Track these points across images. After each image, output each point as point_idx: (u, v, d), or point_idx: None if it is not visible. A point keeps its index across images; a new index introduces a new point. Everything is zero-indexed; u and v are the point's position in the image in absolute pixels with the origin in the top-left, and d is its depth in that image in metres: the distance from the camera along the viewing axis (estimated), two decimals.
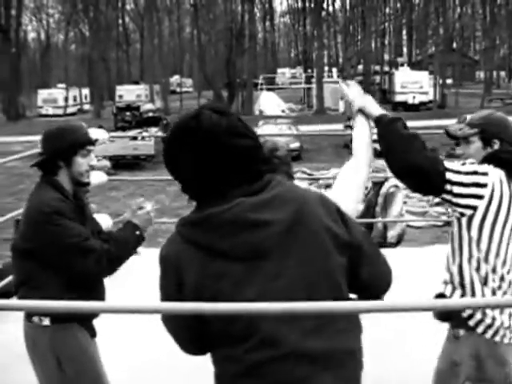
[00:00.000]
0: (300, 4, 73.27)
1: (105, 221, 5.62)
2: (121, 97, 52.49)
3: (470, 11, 67.53)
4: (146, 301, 2.11)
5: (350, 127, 3.47)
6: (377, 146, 3.27)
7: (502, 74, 76.13)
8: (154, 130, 33.05)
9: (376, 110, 3.26)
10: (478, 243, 3.29)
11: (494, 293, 3.30)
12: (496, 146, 3.45)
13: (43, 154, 3.58)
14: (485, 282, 3.30)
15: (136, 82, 58.86)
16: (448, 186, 3.22)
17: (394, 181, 7.99)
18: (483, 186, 3.25)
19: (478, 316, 3.28)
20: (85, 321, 3.60)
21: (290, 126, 32.20)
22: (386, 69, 63.37)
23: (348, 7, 66.94)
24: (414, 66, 60.34)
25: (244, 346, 2.10)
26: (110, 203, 19.37)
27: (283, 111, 51.17)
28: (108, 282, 3.64)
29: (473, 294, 3.32)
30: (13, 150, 25.07)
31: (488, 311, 3.26)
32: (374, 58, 63.30)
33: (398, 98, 49.92)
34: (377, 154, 3.35)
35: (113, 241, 3.54)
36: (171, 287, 2.21)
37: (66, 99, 61.58)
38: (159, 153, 24.55)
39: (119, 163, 26.16)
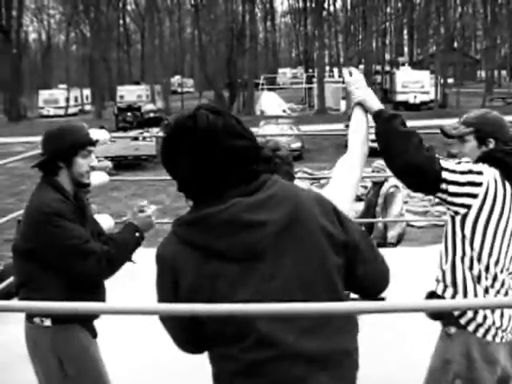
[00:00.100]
0: (301, 4, 73.26)
1: (106, 221, 5.63)
2: (122, 97, 52.56)
3: (471, 10, 67.54)
4: (144, 302, 2.11)
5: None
6: (375, 144, 3.27)
7: (503, 73, 76.16)
8: (155, 131, 33.01)
9: (376, 104, 3.27)
10: (472, 242, 3.30)
11: (486, 291, 3.31)
12: (491, 145, 3.46)
13: (44, 155, 3.59)
14: (478, 281, 3.31)
15: (137, 83, 58.94)
16: (443, 185, 3.24)
17: (393, 181, 8.00)
18: (478, 184, 3.26)
19: (470, 314, 3.29)
20: (86, 321, 3.60)
21: (291, 126, 32.18)
22: (387, 68, 63.35)
23: (349, 7, 67.01)
24: (415, 65, 60.37)
25: (240, 345, 2.11)
26: (112, 203, 19.38)
27: (284, 111, 51.17)
28: (108, 282, 3.64)
29: (465, 293, 3.33)
30: (14, 151, 25.09)
31: (479, 310, 3.26)
32: (375, 58, 63.29)
33: (399, 98, 49.90)
34: (377, 154, 3.36)
35: (112, 243, 3.53)
36: (167, 288, 2.21)
37: (67, 100, 61.66)
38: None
39: (121, 164, 26.17)
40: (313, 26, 61.01)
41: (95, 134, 5.86)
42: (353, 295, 2.65)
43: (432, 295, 3.47)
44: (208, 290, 2.11)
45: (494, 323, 3.29)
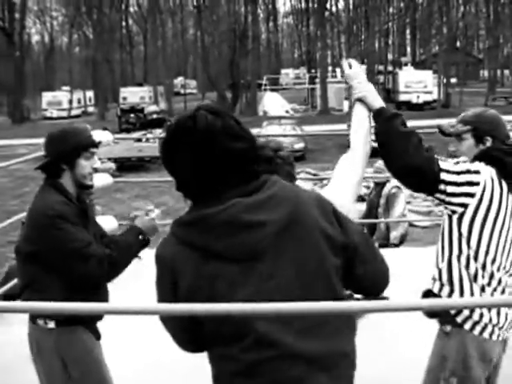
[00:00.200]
0: (303, 4, 73.29)
1: (110, 223, 5.64)
2: (125, 99, 52.65)
3: (473, 10, 67.48)
4: (145, 302, 2.12)
5: None
6: (376, 144, 3.27)
7: (506, 72, 75.95)
8: (158, 132, 33.00)
9: (377, 101, 3.22)
10: (468, 240, 3.31)
11: (483, 290, 3.33)
12: (488, 144, 3.47)
13: (47, 157, 3.59)
14: (474, 279, 3.32)
15: (140, 84, 59.06)
16: (442, 186, 3.26)
17: (395, 181, 7.98)
18: (475, 184, 3.28)
19: (466, 313, 3.31)
20: (89, 323, 3.60)
21: (294, 127, 32.17)
22: (390, 68, 63.38)
23: (351, 7, 66.87)
24: (418, 65, 60.35)
25: (240, 345, 2.12)
26: (115, 205, 19.39)
27: (287, 112, 51.17)
28: (111, 283, 3.64)
29: (461, 292, 3.35)
30: (17, 153, 25.13)
31: (476, 308, 3.28)
32: (378, 58, 63.26)
33: (402, 98, 49.88)
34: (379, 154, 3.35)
35: (115, 246, 3.52)
36: (167, 288, 2.22)
37: (71, 101, 61.71)
38: None
39: (124, 165, 26.18)
40: (315, 27, 61.02)
41: (98, 135, 5.87)
42: (356, 296, 2.66)
43: (428, 294, 3.49)
44: (207, 290, 2.12)
45: (490, 321, 3.31)
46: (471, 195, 3.28)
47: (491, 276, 3.33)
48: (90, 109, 65.09)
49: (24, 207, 3.63)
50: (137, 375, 4.88)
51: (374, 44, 61.45)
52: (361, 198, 10.29)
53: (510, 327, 3.44)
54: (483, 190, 3.29)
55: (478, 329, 3.33)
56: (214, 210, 2.12)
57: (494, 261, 3.32)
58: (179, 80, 74.37)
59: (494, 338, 3.35)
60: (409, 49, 76.24)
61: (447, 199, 3.30)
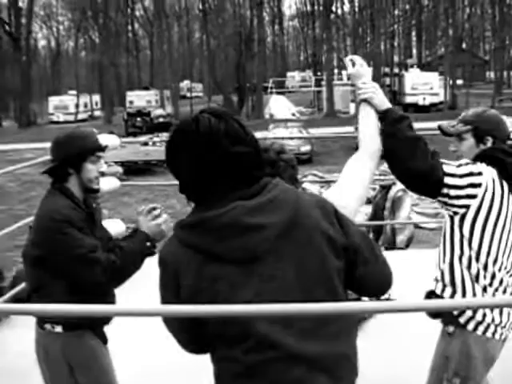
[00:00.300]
0: (309, 7, 73.33)
1: (118, 226, 5.65)
2: (131, 102, 52.70)
3: (479, 11, 67.41)
4: (148, 304, 2.12)
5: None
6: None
7: None
8: (164, 136, 33.03)
9: (383, 102, 3.15)
10: (470, 241, 3.32)
11: (485, 290, 3.35)
12: (489, 144, 3.48)
13: (53, 161, 3.59)
14: (476, 280, 3.33)
15: (146, 88, 59.09)
16: (445, 190, 3.26)
17: (401, 185, 7.98)
18: (477, 185, 3.29)
19: (469, 313, 3.32)
20: (96, 327, 3.60)
21: (300, 130, 32.18)
22: (396, 70, 63.32)
23: (357, 9, 66.84)
24: (424, 67, 60.28)
25: (242, 346, 2.12)
26: (123, 209, 19.41)
27: (293, 115, 51.18)
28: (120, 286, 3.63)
29: (463, 292, 3.37)
30: (24, 157, 25.19)
31: (480, 308, 3.29)
32: (384, 60, 63.20)
33: (409, 100, 49.84)
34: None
35: (121, 252, 3.49)
36: (170, 290, 2.23)
37: (77, 106, 61.84)
38: None
39: (131, 169, 26.21)
40: (321, 29, 61.11)
41: (105, 139, 5.88)
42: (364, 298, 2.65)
43: (431, 294, 3.49)
44: (209, 292, 2.13)
45: (493, 320, 3.33)
46: (473, 196, 3.28)
47: (493, 276, 3.34)
48: (97, 113, 65.21)
49: (31, 211, 3.64)
50: (140, 378, 4.87)
51: (380, 46, 61.38)
52: (368, 200, 10.28)
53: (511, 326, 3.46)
54: (485, 191, 3.30)
55: (480, 329, 3.34)
56: (214, 213, 2.13)
57: (495, 261, 3.33)
58: (185, 83, 74.37)
59: (497, 337, 3.37)
60: (415, 51, 76.15)
61: (450, 202, 3.31)
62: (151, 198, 20.73)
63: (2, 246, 12.48)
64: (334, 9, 61.86)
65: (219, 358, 2.24)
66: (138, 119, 44.29)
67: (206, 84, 76.65)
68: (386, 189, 8.28)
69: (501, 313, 3.34)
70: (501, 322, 3.36)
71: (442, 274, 3.44)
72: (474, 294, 3.34)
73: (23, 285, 5.82)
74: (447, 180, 3.26)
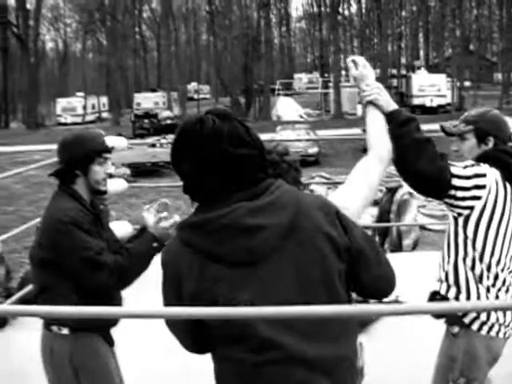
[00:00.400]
0: (316, 9, 73.30)
1: (125, 228, 5.66)
2: (139, 104, 52.72)
3: (486, 12, 67.26)
4: (150, 306, 2.14)
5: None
6: None
7: None
8: (171, 137, 33.08)
9: (389, 104, 3.05)
10: (474, 242, 3.34)
11: (488, 290, 3.37)
12: (490, 144, 3.49)
13: (60, 163, 3.59)
14: (479, 281, 3.35)
15: (154, 90, 59.06)
16: (452, 191, 3.27)
17: (407, 188, 7.94)
18: (482, 187, 3.31)
19: (473, 313, 3.33)
20: (103, 330, 3.60)
21: (308, 132, 32.12)
22: (403, 72, 63.23)
23: (364, 11, 66.87)
24: (431, 68, 60.14)
25: (243, 347, 2.13)
26: (130, 210, 19.43)
27: (301, 116, 51.12)
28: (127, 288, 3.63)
29: (468, 292, 3.38)
30: (33, 159, 25.21)
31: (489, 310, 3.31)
32: (391, 62, 63.14)
33: (416, 101, 49.73)
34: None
35: (127, 254, 3.49)
36: (171, 289, 2.25)
37: (85, 107, 61.94)
38: None
39: (138, 170, 26.22)
40: (328, 31, 61.05)
41: (113, 141, 5.89)
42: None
43: (435, 295, 3.51)
44: (210, 293, 2.14)
45: (497, 320, 3.36)
46: (478, 198, 3.30)
47: (496, 277, 3.37)
48: (104, 114, 65.28)
49: (39, 213, 3.64)
50: (144, 380, 4.87)
51: (387, 48, 61.37)
52: (374, 202, 10.26)
53: None
54: (488, 193, 3.32)
55: (485, 328, 3.37)
56: (215, 214, 2.14)
57: (498, 262, 3.36)
58: (193, 85, 74.44)
59: (501, 335, 3.40)
60: (422, 52, 76.04)
61: (455, 203, 3.32)
62: (158, 200, 20.73)
63: (10, 248, 12.51)
64: (340, 10, 61.91)
65: (220, 358, 2.24)
66: (146, 121, 44.30)
67: (213, 86, 76.71)
68: (391, 191, 8.25)
69: (505, 312, 3.36)
70: (505, 321, 3.39)
71: (447, 274, 3.45)
72: (478, 295, 3.36)
73: (31, 286, 5.83)
74: (454, 181, 3.27)
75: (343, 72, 62.02)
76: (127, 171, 22.69)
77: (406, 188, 7.99)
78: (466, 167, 3.35)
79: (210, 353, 2.31)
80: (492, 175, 3.35)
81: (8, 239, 7.30)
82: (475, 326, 3.36)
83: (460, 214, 3.35)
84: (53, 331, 3.48)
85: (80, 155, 3.53)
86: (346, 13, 67.76)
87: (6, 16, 58.58)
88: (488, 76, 74.02)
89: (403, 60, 70.51)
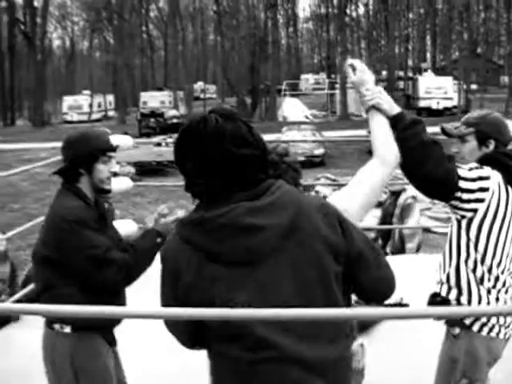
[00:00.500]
0: (323, 10, 73.25)
1: (129, 226, 5.66)
2: (145, 103, 52.72)
3: (494, 16, 67.10)
4: (148, 306, 2.14)
5: None
6: None
7: None
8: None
9: (393, 107, 2.99)
10: (476, 244, 3.36)
11: (489, 292, 3.39)
12: (491, 146, 3.50)
13: (64, 162, 3.59)
14: (480, 282, 3.37)
15: (160, 89, 59.08)
16: (458, 194, 3.28)
17: (411, 192, 7.92)
18: (486, 190, 3.33)
19: None
20: (106, 329, 3.59)
21: (314, 133, 32.13)
22: (410, 74, 63.16)
23: (371, 12, 66.84)
24: (438, 71, 60.02)
25: (239, 345, 2.14)
26: (135, 209, 19.46)
27: (307, 117, 51.09)
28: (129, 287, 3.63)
29: (469, 294, 3.41)
30: (38, 157, 25.27)
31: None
32: (398, 64, 63.09)
33: (422, 104, 49.65)
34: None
35: (133, 251, 3.50)
36: (169, 287, 2.27)
37: (91, 106, 61.96)
38: None
39: (143, 169, 26.25)
40: (335, 32, 60.96)
41: (119, 139, 5.90)
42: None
43: (435, 297, 3.52)
44: (207, 291, 2.15)
45: (498, 321, 3.39)
46: (481, 200, 3.32)
47: (496, 278, 3.40)
48: (111, 113, 65.31)
49: (45, 211, 3.64)
50: (144, 380, 4.87)
51: (394, 50, 61.30)
52: (378, 203, 10.26)
53: None
54: (491, 196, 3.34)
55: (485, 330, 3.40)
56: (215, 213, 2.15)
57: (499, 264, 3.39)
58: (199, 85, 74.43)
59: (501, 336, 3.43)
60: (429, 55, 75.94)
61: (460, 205, 3.33)
62: (163, 199, 20.78)
63: (15, 245, 12.54)
64: (348, 11, 61.85)
65: (216, 355, 2.26)
66: (152, 120, 44.34)
67: (219, 85, 76.73)
68: (395, 195, 8.24)
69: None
70: (505, 322, 3.41)
71: (448, 276, 3.47)
72: (479, 297, 3.39)
73: (33, 285, 5.84)
74: (461, 183, 3.28)
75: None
76: (132, 170, 22.73)
77: (409, 192, 7.99)
78: (471, 169, 3.36)
79: (205, 349, 2.31)
80: (495, 178, 3.37)
81: (13, 237, 7.32)
82: (476, 327, 3.39)
83: (463, 217, 3.37)
84: (55, 329, 3.47)
85: (84, 154, 3.52)
86: (354, 14, 67.75)
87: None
88: (495, 79, 73.85)
89: (410, 62, 70.45)
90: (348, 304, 2.32)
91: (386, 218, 8.37)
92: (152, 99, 53.49)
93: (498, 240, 3.36)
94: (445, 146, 3.32)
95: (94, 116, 61.22)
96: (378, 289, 2.36)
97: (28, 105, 64.00)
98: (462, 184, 3.28)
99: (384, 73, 61.12)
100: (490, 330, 3.39)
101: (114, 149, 3.66)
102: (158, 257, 3.56)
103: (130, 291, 3.71)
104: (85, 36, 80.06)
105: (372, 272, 2.30)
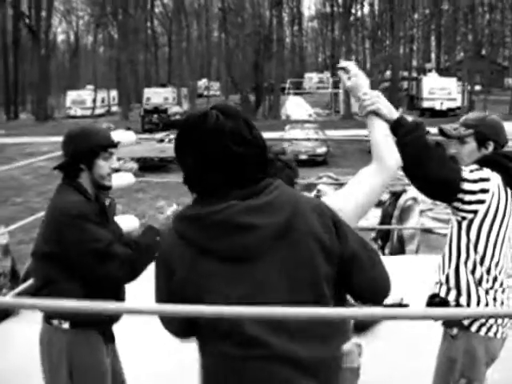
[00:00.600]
0: (328, 9, 73.11)
1: (131, 222, 5.67)
2: (148, 99, 52.69)
3: (499, 17, 67.01)
4: (139, 301, 2.15)
5: None
6: None
7: None
8: None
9: (392, 112, 2.96)
10: (476, 246, 3.38)
11: (487, 293, 3.42)
12: (490, 148, 3.52)
13: (65, 156, 3.58)
14: (479, 283, 3.39)
15: (164, 85, 59.11)
16: (460, 195, 3.29)
17: (411, 193, 7.89)
18: (486, 191, 3.35)
19: None
20: (104, 325, 3.58)
21: (317, 131, 32.10)
22: (414, 75, 63.08)
23: (376, 12, 66.66)
24: (442, 72, 59.97)
25: (230, 342, 2.15)
26: (137, 205, 19.46)
27: (310, 116, 51.06)
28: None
29: (468, 296, 3.43)
30: (41, 151, 25.28)
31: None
32: (402, 64, 62.98)
33: (426, 104, 49.61)
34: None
35: (135, 246, 3.50)
36: (162, 281, 2.28)
37: (94, 101, 61.97)
38: None
39: (146, 165, 26.25)
40: (340, 31, 60.92)
41: (121, 135, 5.91)
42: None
43: (434, 298, 3.54)
44: (199, 286, 2.17)
45: (496, 321, 3.40)
46: (482, 202, 3.35)
47: (494, 279, 3.43)
48: (114, 108, 65.29)
49: (47, 205, 3.64)
50: (144, 378, 4.87)
51: (399, 50, 61.14)
52: (378, 202, 10.23)
53: (510, 325, 3.56)
54: (492, 197, 3.37)
55: (483, 329, 3.43)
56: (210, 210, 2.16)
57: (497, 264, 3.42)
58: (203, 82, 74.37)
59: (498, 335, 3.46)
60: (433, 55, 75.85)
61: (461, 207, 3.36)
62: (165, 195, 20.78)
63: (17, 239, 12.54)
64: (353, 11, 61.76)
65: (207, 351, 2.26)
66: (155, 116, 44.32)
67: (223, 83, 76.59)
68: (395, 196, 8.22)
69: None
70: (502, 321, 3.45)
71: (447, 277, 3.50)
72: (478, 297, 3.41)
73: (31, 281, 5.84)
74: (464, 185, 3.30)
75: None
76: (135, 166, 22.72)
77: (410, 193, 7.96)
78: (471, 171, 3.37)
79: (196, 342, 2.32)
80: (495, 179, 3.40)
81: (15, 230, 7.32)
82: (474, 328, 3.41)
83: (464, 218, 3.39)
84: (53, 325, 3.46)
85: (85, 149, 3.52)
86: (359, 14, 67.63)
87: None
88: (499, 81, 73.75)
89: (414, 63, 70.32)
90: (342, 305, 2.32)
91: (385, 219, 8.35)
92: (155, 95, 53.48)
93: (497, 241, 3.40)
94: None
95: (97, 111, 61.23)
96: (374, 289, 2.36)
97: (31, 99, 63.95)
98: (464, 185, 3.30)
99: (388, 73, 61.06)
100: (488, 329, 3.42)
101: (115, 145, 3.65)
102: None
103: (127, 287, 3.71)
104: (89, 31, 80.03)
105: (367, 272, 2.30)
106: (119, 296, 3.62)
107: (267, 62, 56.37)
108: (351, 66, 3.00)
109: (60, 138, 3.65)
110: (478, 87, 59.85)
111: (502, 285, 3.45)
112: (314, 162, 28.69)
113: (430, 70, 59.07)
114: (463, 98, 52.49)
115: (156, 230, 3.59)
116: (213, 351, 2.22)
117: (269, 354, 2.12)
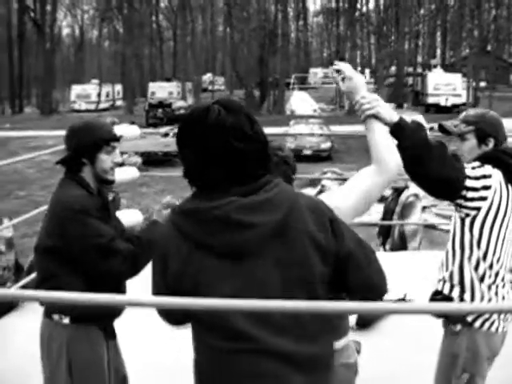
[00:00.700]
0: (333, 4, 73.01)
1: (135, 216, 5.67)
2: (153, 93, 52.68)
3: (505, 13, 66.87)
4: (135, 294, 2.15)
5: None
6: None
7: None
8: None
9: (392, 115, 2.97)
10: (479, 242, 3.40)
11: (489, 288, 3.43)
12: (490, 145, 3.52)
13: (68, 150, 3.56)
14: (482, 280, 3.41)
15: (168, 79, 59.05)
16: (463, 192, 3.30)
17: (413, 190, 7.88)
18: (488, 188, 3.36)
19: None
20: (105, 321, 3.57)
21: (321, 126, 32.09)
22: (419, 70, 62.99)
23: (382, 8, 66.54)
24: (448, 68, 59.88)
25: (219, 334, 2.17)
26: (141, 199, 19.49)
27: (315, 111, 51.04)
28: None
29: (472, 292, 3.44)
30: (46, 144, 25.31)
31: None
32: (407, 60, 62.91)
33: (431, 100, 49.57)
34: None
35: (137, 242, 3.49)
36: (158, 272, 2.30)
37: (99, 95, 62.01)
38: None
39: (150, 159, 26.27)
40: (345, 26, 60.86)
41: (126, 129, 5.90)
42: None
43: (437, 295, 3.54)
44: (193, 279, 2.18)
45: (498, 316, 3.42)
46: (484, 198, 3.36)
47: (496, 274, 3.44)
48: (119, 102, 65.30)
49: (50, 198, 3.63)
50: (142, 373, 4.87)
51: (404, 45, 61.09)
52: (380, 198, 10.22)
53: (511, 319, 3.57)
54: (494, 194, 3.38)
55: (486, 325, 3.44)
56: (209, 205, 2.16)
57: (498, 260, 3.44)
58: (208, 76, 74.32)
59: (500, 330, 3.48)
60: (439, 51, 75.73)
61: (464, 204, 3.37)
62: (169, 189, 20.80)
63: (21, 232, 12.56)
64: (358, 6, 61.68)
65: (198, 345, 2.28)
66: (159, 110, 44.35)
67: (228, 77, 76.55)
68: (397, 192, 8.20)
69: None
70: (504, 316, 3.47)
71: (451, 274, 3.51)
72: (482, 293, 3.43)
73: (33, 275, 5.85)
74: (467, 183, 3.30)
75: (359, 68, 61.88)
76: (139, 160, 22.72)
77: (411, 190, 7.96)
78: (474, 168, 3.38)
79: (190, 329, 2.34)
80: (496, 176, 3.41)
81: (19, 223, 7.33)
82: (477, 323, 3.44)
83: (467, 215, 3.40)
84: (54, 320, 3.45)
85: (88, 143, 3.50)
86: (364, 9, 67.48)
87: None
88: (504, 77, 73.62)
89: (420, 58, 70.23)
90: None
91: (386, 215, 8.33)
92: (160, 90, 53.46)
93: (499, 237, 3.41)
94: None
95: (102, 105, 61.26)
96: (370, 287, 2.35)
97: (36, 92, 64.08)
98: (467, 183, 3.31)
99: (393, 68, 61.00)
100: (491, 325, 3.43)
101: (117, 139, 3.63)
102: None
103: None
104: (94, 25, 79.99)
105: (363, 270, 2.30)
106: (120, 291, 3.61)
107: (272, 56, 56.35)
108: (346, 67, 2.98)
109: (61, 133, 3.64)
110: (483, 83, 59.77)
111: (502, 279, 3.47)
112: (319, 157, 28.70)
113: (435, 66, 59.03)
114: (468, 95, 52.42)
115: (160, 225, 3.57)
116: (203, 345, 2.24)
117: (256, 348, 2.14)
